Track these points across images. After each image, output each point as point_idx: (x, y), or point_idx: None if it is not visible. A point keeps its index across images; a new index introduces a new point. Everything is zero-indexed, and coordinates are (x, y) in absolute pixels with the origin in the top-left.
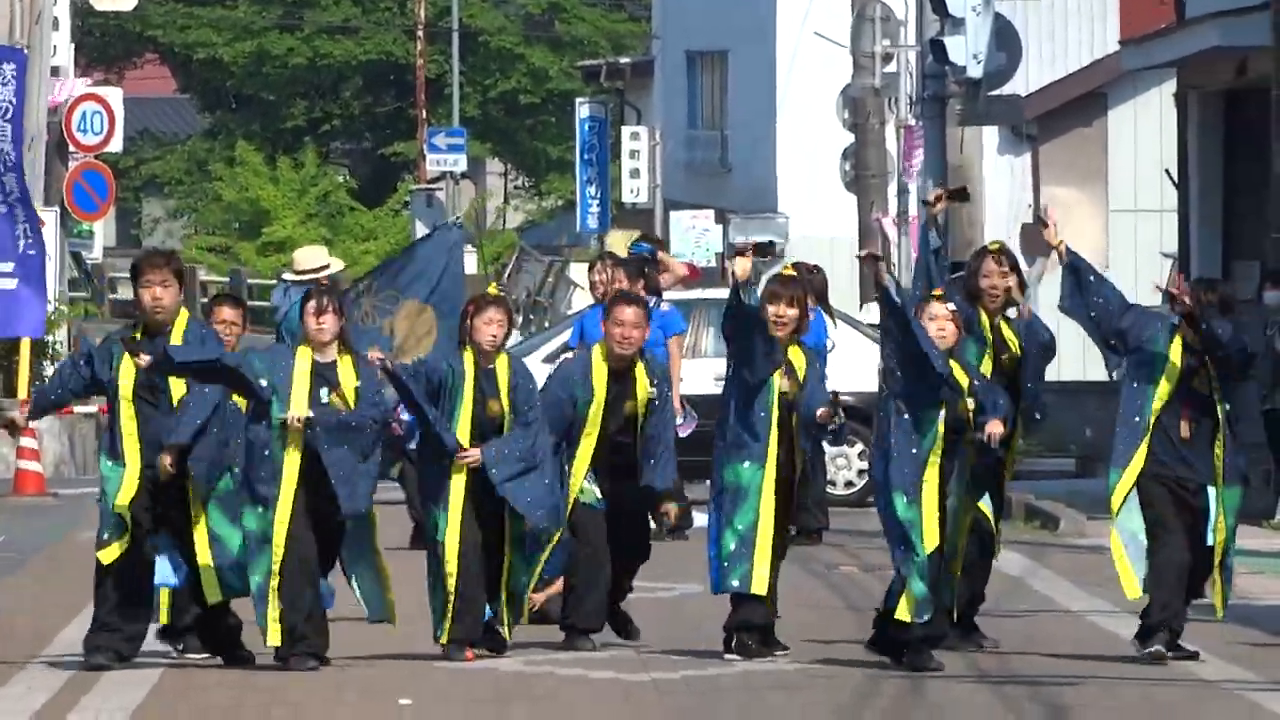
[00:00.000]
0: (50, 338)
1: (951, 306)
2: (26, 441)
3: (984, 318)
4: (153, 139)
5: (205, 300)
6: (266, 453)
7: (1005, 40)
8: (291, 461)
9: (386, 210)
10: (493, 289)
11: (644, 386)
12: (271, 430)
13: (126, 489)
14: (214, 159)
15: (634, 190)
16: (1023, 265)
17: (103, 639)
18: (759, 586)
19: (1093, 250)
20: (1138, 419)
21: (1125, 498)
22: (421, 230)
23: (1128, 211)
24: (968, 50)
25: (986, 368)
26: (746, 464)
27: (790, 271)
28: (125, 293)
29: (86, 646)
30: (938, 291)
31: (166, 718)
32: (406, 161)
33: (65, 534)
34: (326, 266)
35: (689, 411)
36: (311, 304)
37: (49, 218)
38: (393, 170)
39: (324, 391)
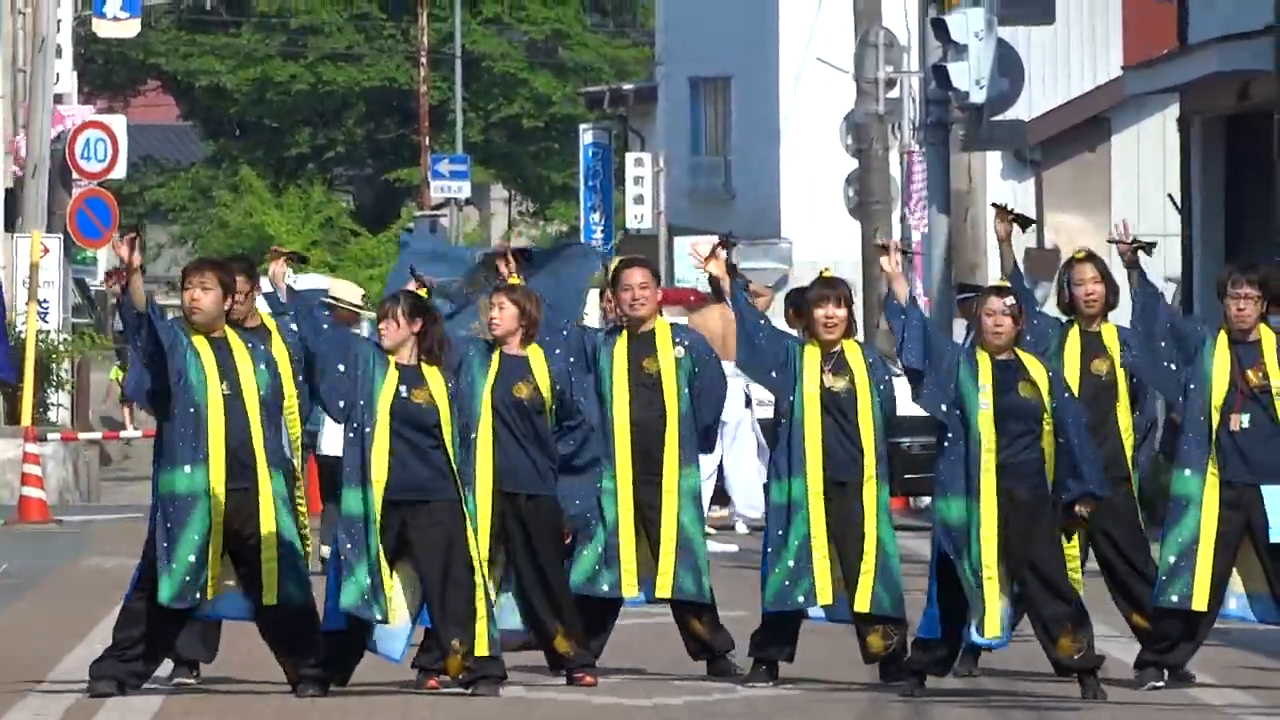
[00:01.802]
0: (55, 365)
1: (1010, 301)
2: (30, 468)
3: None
4: (156, 166)
5: None
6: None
7: (1008, 66)
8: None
9: (390, 236)
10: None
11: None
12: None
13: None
14: (217, 186)
15: (638, 216)
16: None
17: (111, 668)
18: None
19: None
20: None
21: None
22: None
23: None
24: (970, 76)
25: (1073, 377)
26: (782, 479)
27: (830, 274)
28: None
29: (93, 672)
30: (1002, 283)
31: None
32: (410, 187)
33: (69, 561)
34: (360, 307)
35: None
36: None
37: (53, 245)
38: (396, 196)
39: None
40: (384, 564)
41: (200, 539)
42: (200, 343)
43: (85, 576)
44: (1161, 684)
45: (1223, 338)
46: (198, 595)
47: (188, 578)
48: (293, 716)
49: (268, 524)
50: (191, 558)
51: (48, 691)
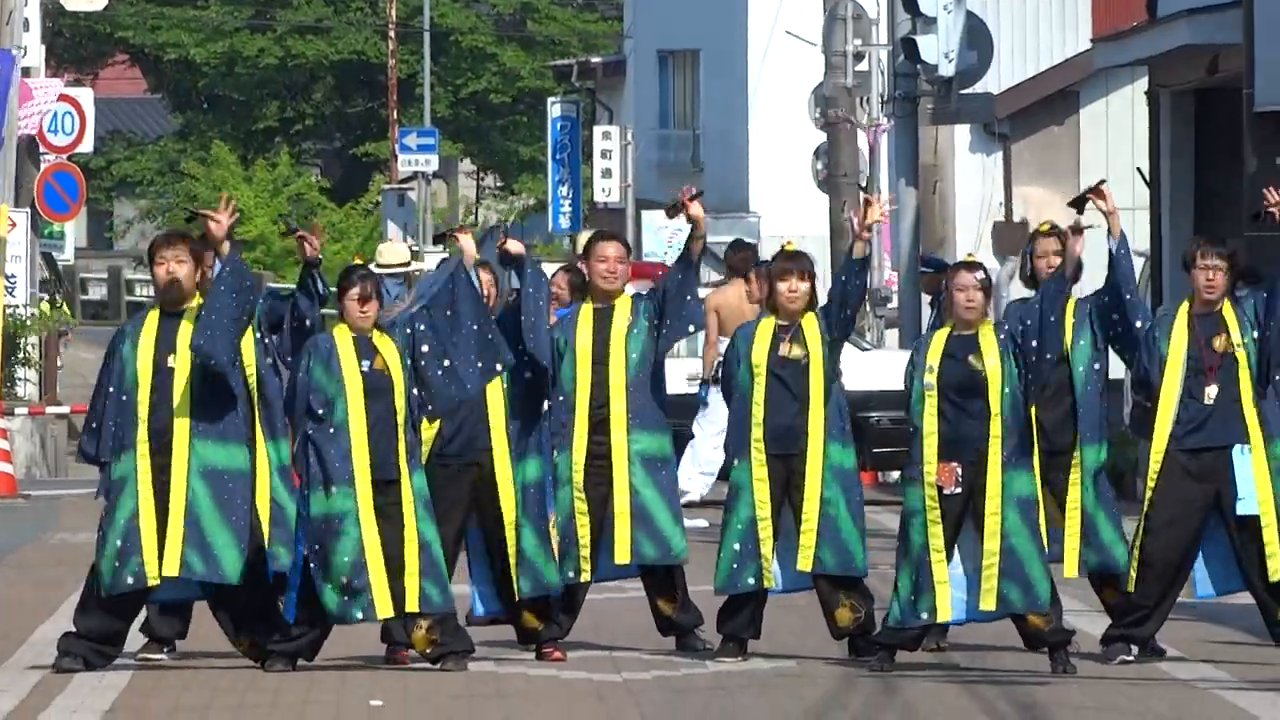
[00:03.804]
0: (22, 340)
1: (981, 275)
2: None
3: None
4: (124, 140)
5: None
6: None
7: (977, 39)
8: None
9: (358, 210)
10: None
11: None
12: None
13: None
14: (186, 159)
15: (606, 190)
16: (995, 265)
17: (78, 645)
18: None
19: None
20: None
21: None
22: (393, 229)
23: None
24: (939, 49)
25: None
26: (736, 461)
27: (792, 247)
28: (96, 293)
29: (60, 647)
30: (969, 257)
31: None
32: (378, 161)
33: (36, 536)
34: (407, 264)
35: None
36: (355, 290)
37: (20, 219)
38: (364, 170)
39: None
40: (370, 555)
41: (126, 521)
42: (153, 315)
43: (52, 551)
44: (1130, 658)
45: (1182, 314)
46: (129, 580)
47: (117, 562)
48: (263, 692)
49: (180, 497)
50: (119, 541)
51: (17, 666)
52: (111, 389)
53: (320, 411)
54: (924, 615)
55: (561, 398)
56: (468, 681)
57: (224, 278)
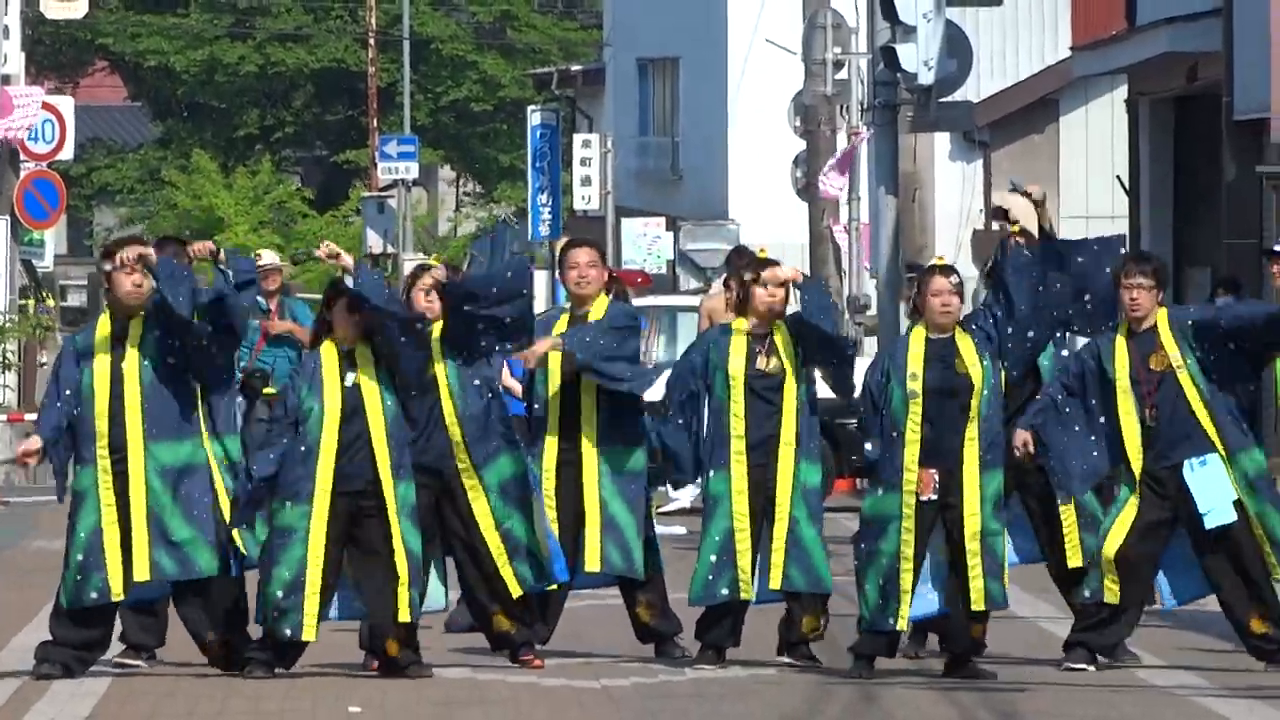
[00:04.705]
0: (1, 345)
1: (955, 279)
2: None
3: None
4: (104, 147)
5: None
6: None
7: (956, 47)
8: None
9: (338, 217)
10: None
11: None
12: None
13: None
14: (166, 167)
15: (585, 198)
16: (974, 272)
17: (56, 652)
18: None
19: None
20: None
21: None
22: (373, 237)
23: (1079, 218)
24: (919, 57)
25: None
26: (712, 472)
27: (766, 253)
28: (75, 300)
29: (38, 655)
30: (939, 260)
31: None
32: (358, 169)
33: (14, 543)
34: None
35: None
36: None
37: None
38: (344, 178)
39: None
40: (310, 575)
41: (87, 535)
42: (102, 322)
43: (31, 558)
44: (1087, 666)
45: (1121, 337)
46: (93, 595)
47: (79, 577)
48: (241, 699)
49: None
50: (80, 556)
51: None
52: (60, 399)
53: (298, 425)
54: (891, 621)
55: (537, 404)
56: (447, 689)
57: (164, 263)
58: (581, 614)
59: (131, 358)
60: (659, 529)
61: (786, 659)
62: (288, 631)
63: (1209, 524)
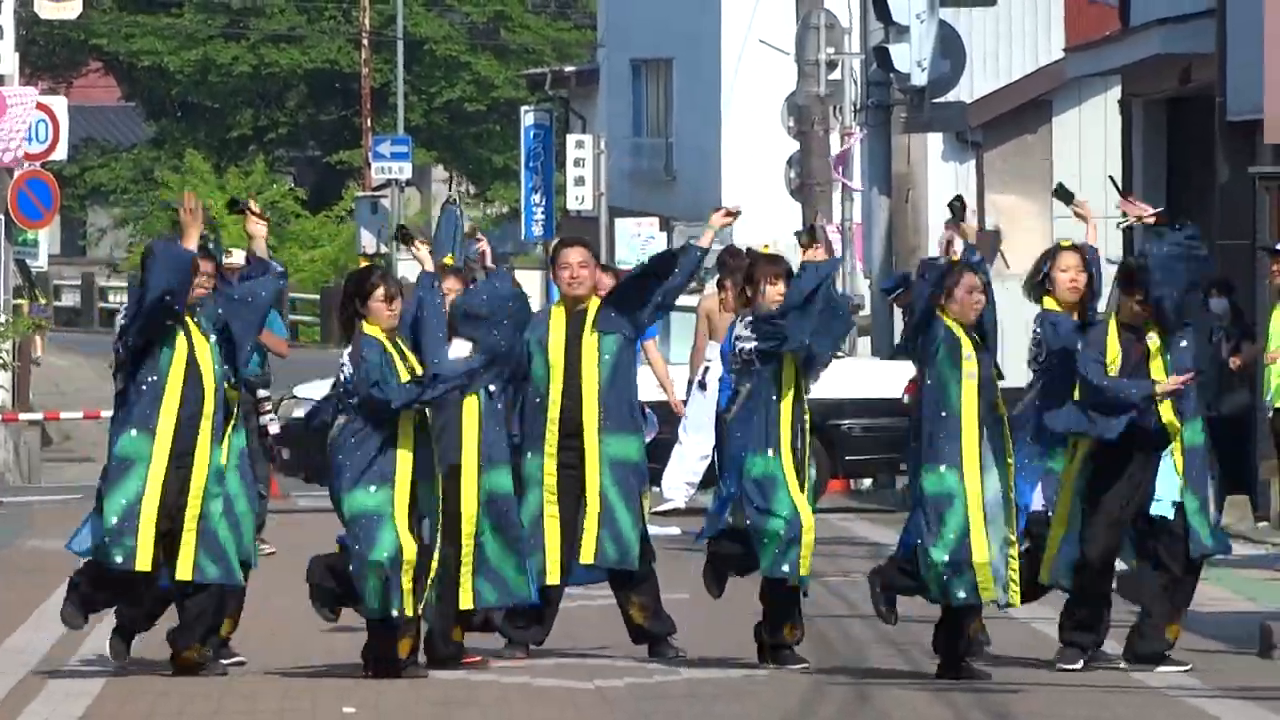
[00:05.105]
0: None
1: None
2: None
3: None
4: (97, 147)
5: None
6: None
7: (949, 47)
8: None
9: (332, 217)
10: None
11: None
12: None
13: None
14: (160, 167)
15: (579, 198)
16: None
17: (124, 613)
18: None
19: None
20: None
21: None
22: (366, 237)
23: (1072, 219)
24: (912, 58)
25: None
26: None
27: (769, 249)
28: (69, 300)
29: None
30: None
31: None
32: (352, 169)
33: (9, 542)
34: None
35: (649, 418)
36: (381, 290)
37: None
38: (338, 178)
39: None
40: (406, 555)
41: (128, 503)
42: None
43: (25, 558)
44: (1075, 667)
45: (1112, 329)
46: (119, 559)
47: (107, 539)
48: (237, 699)
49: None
50: (115, 519)
51: None
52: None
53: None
54: (961, 594)
55: (538, 399)
56: (441, 690)
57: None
58: (575, 615)
59: (202, 348)
60: (652, 530)
61: (773, 665)
62: (394, 611)
63: (1152, 510)
